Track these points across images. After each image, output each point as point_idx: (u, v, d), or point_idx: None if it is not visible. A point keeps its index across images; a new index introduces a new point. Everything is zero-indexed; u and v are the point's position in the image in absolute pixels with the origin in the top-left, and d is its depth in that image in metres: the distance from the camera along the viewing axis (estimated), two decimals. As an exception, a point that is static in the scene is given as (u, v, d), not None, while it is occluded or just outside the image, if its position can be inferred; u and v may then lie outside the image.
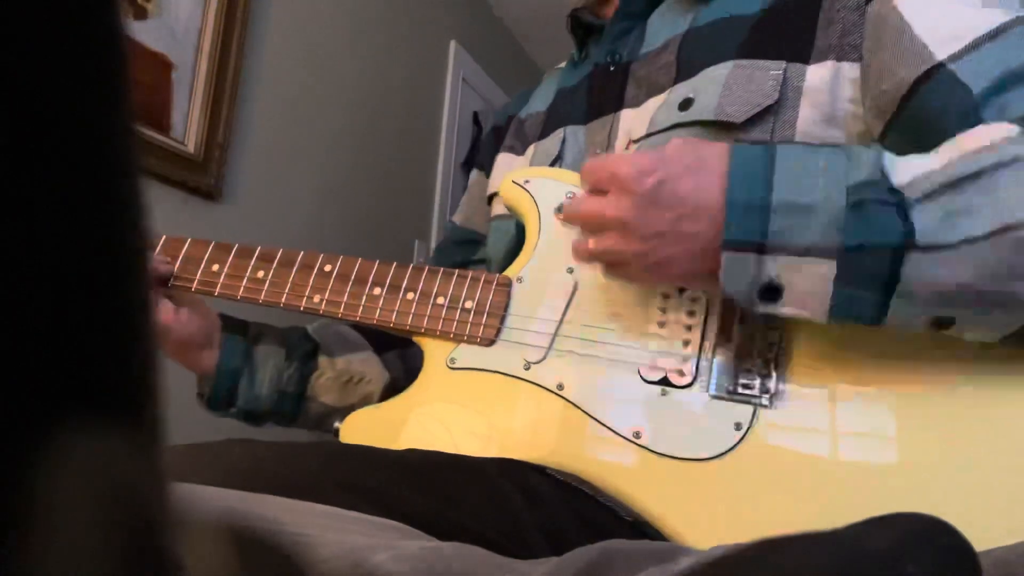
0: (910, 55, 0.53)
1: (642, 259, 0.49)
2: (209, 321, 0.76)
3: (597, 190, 0.52)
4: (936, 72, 0.51)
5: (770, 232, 0.45)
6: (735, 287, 0.47)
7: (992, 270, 0.42)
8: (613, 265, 0.52)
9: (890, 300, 0.44)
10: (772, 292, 0.46)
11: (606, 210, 0.50)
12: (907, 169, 0.45)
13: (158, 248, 0.71)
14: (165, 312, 0.70)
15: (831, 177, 0.45)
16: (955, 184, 0.43)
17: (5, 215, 0.10)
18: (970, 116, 0.49)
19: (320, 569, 0.28)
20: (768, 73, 0.59)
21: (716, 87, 0.61)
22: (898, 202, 0.43)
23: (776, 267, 0.45)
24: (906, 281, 0.43)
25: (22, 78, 0.11)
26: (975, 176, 0.43)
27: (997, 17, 0.51)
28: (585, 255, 0.53)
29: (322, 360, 0.81)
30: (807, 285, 0.45)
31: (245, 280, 0.69)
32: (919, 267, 0.43)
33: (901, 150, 0.55)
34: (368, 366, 0.82)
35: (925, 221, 0.43)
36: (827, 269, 0.44)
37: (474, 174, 0.94)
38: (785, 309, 0.47)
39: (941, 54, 0.51)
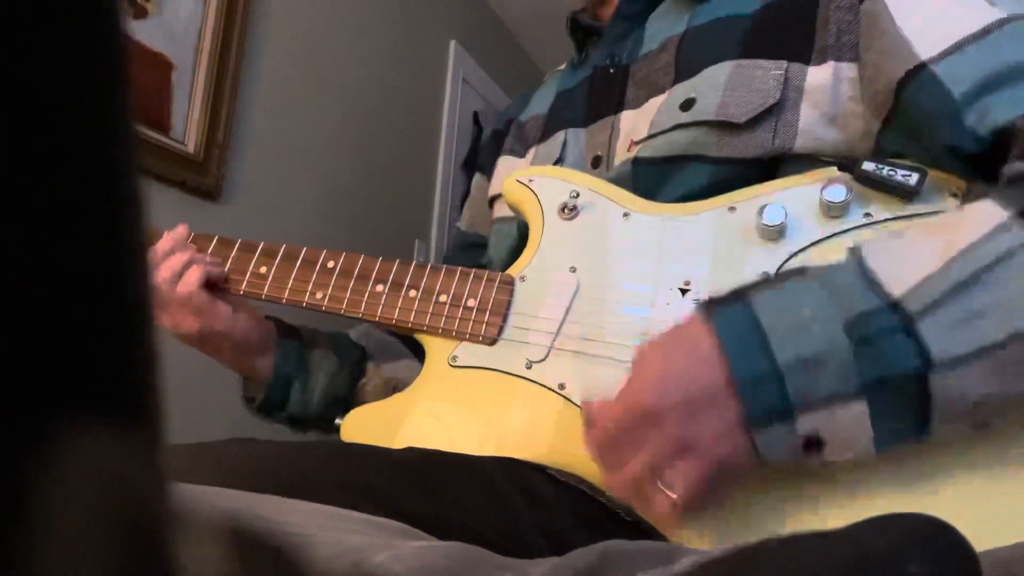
0: (896, 53, 0.53)
1: (706, 460, 0.44)
2: (263, 324, 0.75)
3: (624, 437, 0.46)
4: (919, 71, 0.51)
5: (791, 395, 0.42)
6: (777, 456, 0.44)
7: (1015, 373, 0.41)
8: (698, 488, 0.45)
9: (930, 422, 0.42)
10: (814, 444, 0.44)
11: (656, 447, 0.44)
12: (900, 275, 0.42)
13: (172, 242, 0.70)
14: (223, 315, 0.70)
15: (824, 321, 0.42)
16: (957, 289, 0.41)
17: (5, 215, 0.10)
18: (952, 121, 0.49)
19: (320, 569, 0.28)
20: (769, 73, 0.59)
21: (717, 87, 0.61)
22: (902, 323, 0.41)
23: (809, 423, 0.43)
24: (937, 401, 0.41)
25: (22, 78, 0.11)
26: (975, 277, 0.41)
27: (984, 16, 0.50)
28: (666, 505, 0.45)
29: (370, 367, 0.81)
30: (846, 431, 0.43)
31: (248, 275, 0.69)
32: (945, 384, 0.41)
33: (899, 149, 0.55)
34: (411, 372, 0.82)
35: (935, 336, 0.41)
36: (860, 409, 0.42)
37: (476, 178, 0.94)
38: (832, 456, 0.44)
39: (924, 53, 0.51)
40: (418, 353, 0.83)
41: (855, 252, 0.45)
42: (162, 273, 0.67)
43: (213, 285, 0.69)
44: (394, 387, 0.81)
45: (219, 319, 0.69)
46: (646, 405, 0.44)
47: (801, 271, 0.46)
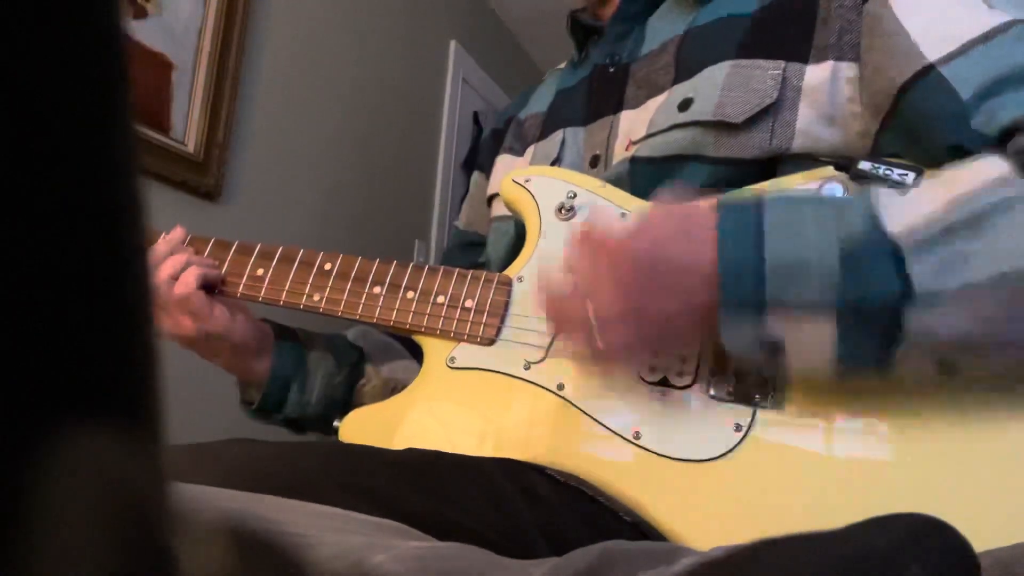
0: (901, 55, 0.53)
1: (639, 318, 0.48)
2: (260, 327, 0.75)
3: (588, 261, 0.50)
4: (926, 73, 0.51)
5: (767, 293, 0.44)
6: (737, 345, 0.47)
7: (990, 318, 0.42)
8: (609, 326, 0.49)
9: (893, 351, 0.44)
10: (775, 347, 0.46)
11: (600, 275, 0.49)
12: (900, 215, 0.44)
13: (168, 244, 0.70)
14: (221, 318, 0.69)
15: (822, 232, 0.44)
16: (949, 231, 0.42)
17: (5, 215, 0.10)
18: (959, 122, 0.49)
19: (320, 569, 0.28)
20: (767, 73, 0.59)
21: (715, 87, 0.61)
22: (893, 253, 0.43)
23: (776, 325, 0.45)
24: (907, 333, 0.43)
25: (22, 78, 0.11)
26: (970, 222, 0.42)
27: (990, 19, 0.50)
28: (581, 323, 0.50)
29: (368, 368, 0.81)
30: (809, 340, 0.45)
31: (245, 277, 0.69)
32: (919, 318, 0.42)
33: (897, 150, 0.55)
34: (410, 373, 0.82)
35: (921, 271, 0.42)
36: (827, 325, 0.44)
37: (475, 176, 0.94)
38: (789, 362, 0.47)
39: (932, 55, 0.51)
40: (416, 354, 0.83)
41: (865, 191, 0.48)
42: (159, 275, 0.67)
43: (210, 287, 0.69)
44: (393, 388, 0.80)
45: (216, 321, 0.69)
46: (628, 247, 0.48)
47: (817, 195, 0.49)
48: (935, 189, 0.46)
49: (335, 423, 0.65)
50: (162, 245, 0.70)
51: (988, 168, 0.45)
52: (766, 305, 0.44)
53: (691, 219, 0.48)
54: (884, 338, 0.44)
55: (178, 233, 0.72)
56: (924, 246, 0.43)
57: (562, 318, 0.52)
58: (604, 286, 0.49)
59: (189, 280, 0.67)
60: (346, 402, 0.79)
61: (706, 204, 0.49)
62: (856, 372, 0.46)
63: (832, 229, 0.44)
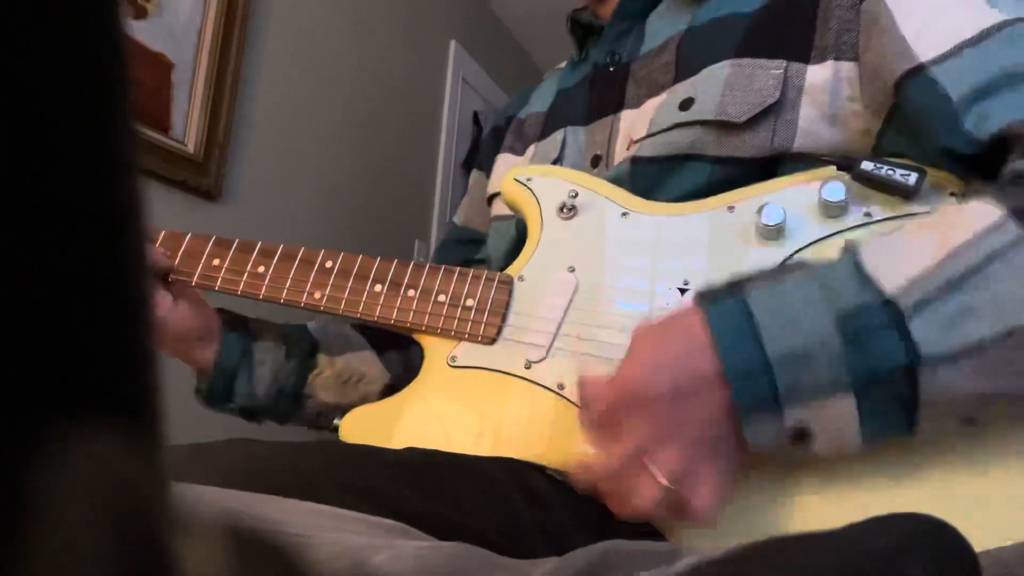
0: (895, 54, 0.53)
1: (697, 448, 0.45)
2: (208, 316, 0.75)
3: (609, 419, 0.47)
4: (917, 73, 0.51)
5: (780, 387, 0.43)
6: (763, 441, 0.45)
7: (1003, 372, 0.41)
8: (685, 475, 0.45)
9: (917, 415, 0.43)
10: (802, 436, 0.44)
11: (643, 432, 0.45)
12: (895, 272, 0.43)
13: (158, 241, 0.70)
14: (163, 305, 0.70)
15: (815, 315, 0.43)
16: (949, 287, 0.41)
17: (5, 215, 0.10)
18: (949, 124, 0.49)
19: (320, 569, 0.28)
20: (769, 72, 0.59)
21: (717, 87, 0.61)
22: (894, 320, 0.41)
23: (797, 415, 0.43)
24: (925, 397, 0.42)
25: (22, 78, 0.11)
26: (967, 275, 0.41)
27: (983, 19, 0.50)
28: (652, 490, 0.45)
29: (321, 358, 0.81)
30: (834, 423, 0.43)
31: (246, 275, 0.69)
32: (933, 381, 0.41)
33: (900, 148, 0.55)
34: (368, 365, 0.82)
35: (925, 332, 0.41)
36: (847, 403, 0.42)
37: (474, 174, 0.94)
38: (819, 447, 0.45)
39: (924, 55, 0.51)
40: (379, 348, 0.83)
41: (850, 249, 0.46)
42: None
43: (161, 276, 0.69)
44: (347, 379, 0.80)
45: (157, 308, 0.69)
46: (636, 389, 0.45)
47: (798, 266, 0.47)
48: (927, 240, 0.44)
49: (336, 421, 0.65)
50: None
51: (981, 214, 0.43)
52: (781, 399, 0.43)
53: (682, 331, 0.46)
54: (905, 404, 0.42)
55: None
56: (924, 305, 0.41)
57: (629, 498, 0.46)
58: (654, 438, 0.45)
59: None
60: (298, 392, 0.79)
61: (684, 311, 0.47)
62: (885, 440, 0.45)
63: (824, 308, 0.43)
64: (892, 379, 0.42)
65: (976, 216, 0.44)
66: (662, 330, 0.47)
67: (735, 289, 0.46)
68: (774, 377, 0.43)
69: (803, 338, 0.42)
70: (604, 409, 0.47)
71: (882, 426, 0.43)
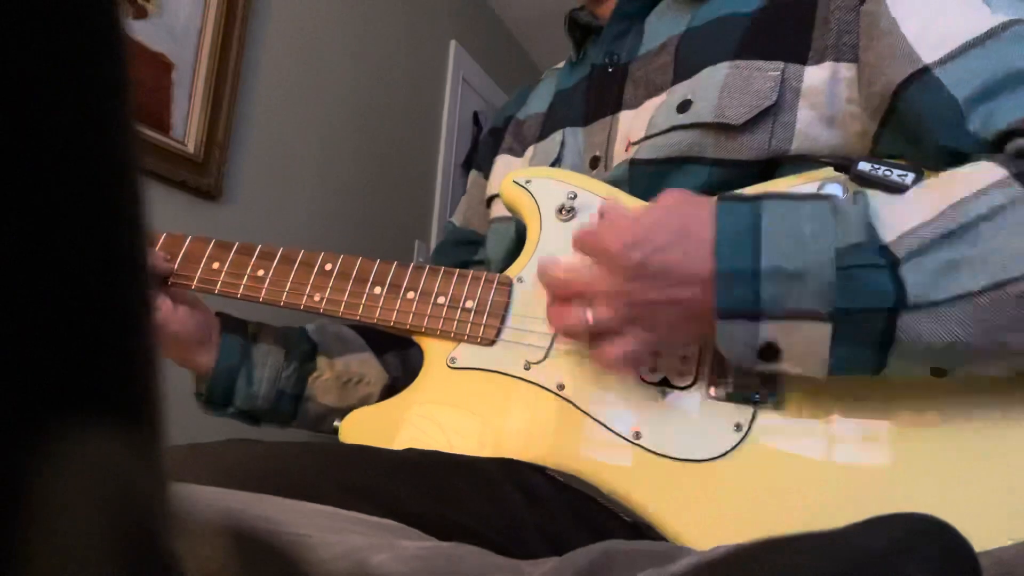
0: (898, 56, 0.53)
1: (636, 324, 0.49)
2: (207, 319, 0.75)
3: (588, 260, 0.52)
4: (922, 75, 0.51)
5: (762, 300, 0.45)
6: (732, 350, 0.47)
7: (984, 325, 0.42)
8: (605, 334, 0.51)
9: (887, 357, 0.44)
10: (770, 352, 0.46)
11: (596, 284, 0.50)
12: (895, 223, 0.44)
13: (158, 245, 0.70)
14: (163, 309, 0.70)
15: (819, 241, 0.44)
16: (944, 238, 0.43)
17: (6, 215, 0.10)
18: (954, 125, 0.49)
19: (320, 569, 0.28)
20: (766, 74, 0.59)
21: (714, 89, 0.61)
22: (888, 263, 0.43)
23: (772, 331, 0.45)
24: (901, 340, 0.43)
25: (23, 79, 0.11)
26: (965, 228, 0.43)
27: (988, 20, 0.50)
28: (580, 325, 0.51)
29: (321, 361, 0.81)
30: (804, 346, 0.45)
31: (245, 278, 0.69)
32: (912, 326, 0.43)
33: (896, 150, 0.55)
34: (367, 367, 0.82)
35: (916, 279, 0.42)
36: (823, 331, 0.44)
37: (473, 175, 0.94)
38: (784, 367, 0.47)
39: (928, 57, 0.51)
40: (377, 349, 0.83)
41: (861, 196, 0.48)
42: None
43: (160, 280, 0.69)
44: (346, 381, 0.80)
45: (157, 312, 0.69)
46: (608, 249, 0.49)
47: (816, 195, 0.49)
48: (930, 195, 0.46)
49: (335, 423, 0.65)
50: None
51: (984, 173, 0.45)
52: (761, 312, 0.45)
53: (687, 221, 0.48)
54: (878, 344, 0.44)
55: None
56: (918, 254, 0.43)
57: (562, 321, 0.53)
58: (601, 291, 0.50)
59: None
60: (298, 395, 0.79)
61: (705, 203, 0.49)
62: (849, 374, 0.46)
63: (830, 236, 0.44)
64: (874, 316, 0.43)
65: (979, 174, 0.45)
66: (675, 216, 0.49)
67: (756, 198, 0.48)
68: (760, 288, 0.44)
69: (801, 258, 0.44)
70: (596, 247, 0.51)
71: (851, 360, 0.45)
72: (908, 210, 0.45)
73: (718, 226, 0.47)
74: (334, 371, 0.81)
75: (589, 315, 0.50)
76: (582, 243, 0.52)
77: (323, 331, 0.83)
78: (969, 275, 0.42)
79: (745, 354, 0.47)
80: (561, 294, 0.53)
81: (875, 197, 0.47)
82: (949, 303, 0.42)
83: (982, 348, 0.43)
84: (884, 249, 0.44)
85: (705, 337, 0.49)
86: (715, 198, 0.49)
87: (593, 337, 0.51)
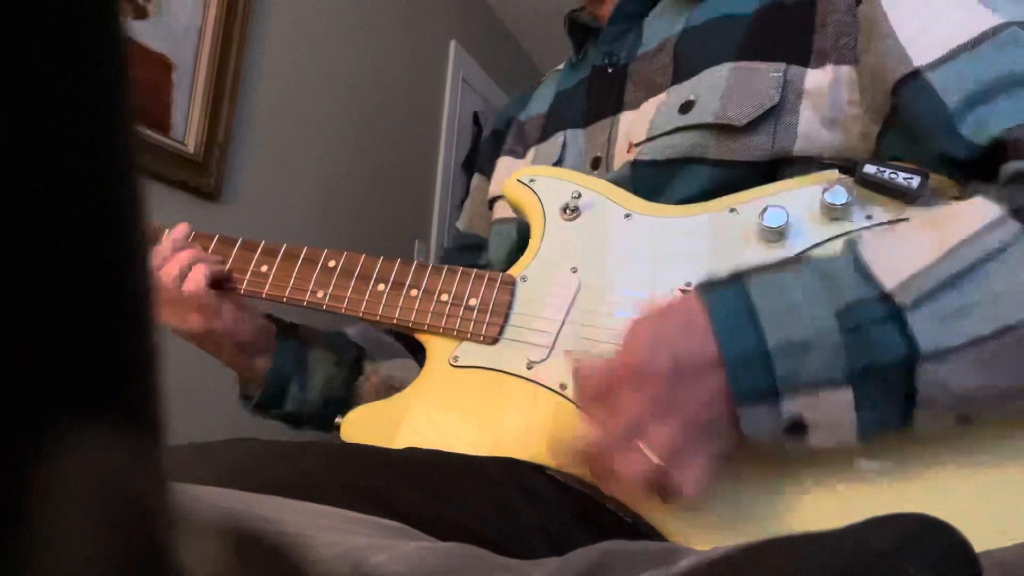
0: (891, 58, 0.53)
1: (692, 428, 0.45)
2: (264, 325, 0.76)
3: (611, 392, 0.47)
4: (913, 78, 0.51)
5: (777, 377, 0.43)
6: (759, 433, 0.45)
7: (1000, 369, 0.41)
8: (676, 453, 0.45)
9: (913, 410, 0.43)
10: (798, 428, 0.44)
11: (638, 409, 0.45)
12: (894, 268, 0.43)
13: (161, 239, 0.70)
14: (228, 315, 0.70)
15: (815, 308, 0.43)
16: (947, 284, 0.42)
17: (5, 215, 0.10)
18: (946, 130, 0.49)
19: (320, 569, 0.28)
20: (768, 75, 0.59)
21: (717, 89, 0.61)
22: (893, 314, 0.42)
23: (794, 406, 0.44)
24: (922, 392, 0.42)
25: (22, 78, 0.11)
26: (969, 271, 0.42)
27: (980, 23, 0.50)
28: (641, 466, 0.44)
29: (367, 366, 0.81)
30: (830, 416, 0.44)
31: (249, 274, 0.69)
32: (931, 376, 0.42)
33: (899, 152, 0.55)
34: (408, 371, 0.82)
35: (924, 328, 0.41)
36: (844, 396, 0.43)
37: (475, 179, 0.94)
38: (814, 441, 0.45)
39: (919, 60, 0.51)
40: (415, 353, 0.83)
41: (851, 244, 0.46)
42: (168, 271, 0.68)
43: (216, 284, 0.69)
44: (391, 386, 0.81)
45: (222, 319, 0.69)
46: (634, 365, 0.45)
47: (798, 259, 0.47)
48: (928, 235, 0.45)
49: (336, 420, 0.65)
50: (168, 242, 0.70)
51: (980, 211, 0.44)
52: (779, 388, 0.43)
53: (684, 315, 0.46)
54: (901, 399, 0.43)
55: (182, 229, 0.72)
56: (923, 302, 0.42)
57: (617, 474, 0.46)
58: (648, 415, 0.45)
59: (197, 276, 0.67)
60: (345, 399, 0.79)
61: (688, 298, 0.47)
62: (881, 434, 0.45)
63: (824, 300, 0.43)
64: (890, 372, 0.42)
65: (976, 213, 0.44)
66: (662, 315, 0.47)
67: (735, 279, 0.46)
68: (772, 366, 0.43)
69: (802, 328, 0.43)
70: (603, 384, 0.47)
71: (878, 420, 0.44)
72: (906, 253, 0.44)
73: (713, 316, 0.45)
74: (379, 376, 0.81)
75: (646, 450, 0.44)
76: (594, 386, 0.48)
77: (367, 336, 0.84)
78: (979, 319, 0.41)
79: (772, 435, 0.45)
80: (599, 450, 0.47)
81: (864, 245, 0.45)
82: (962, 349, 0.41)
83: (1003, 391, 0.42)
84: (887, 298, 0.42)
85: (730, 430, 0.45)
86: (692, 292, 0.47)
87: (657, 470, 0.45)
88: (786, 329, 0.43)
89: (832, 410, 0.43)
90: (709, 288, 0.47)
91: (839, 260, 0.45)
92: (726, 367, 0.44)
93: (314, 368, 0.78)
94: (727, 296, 0.45)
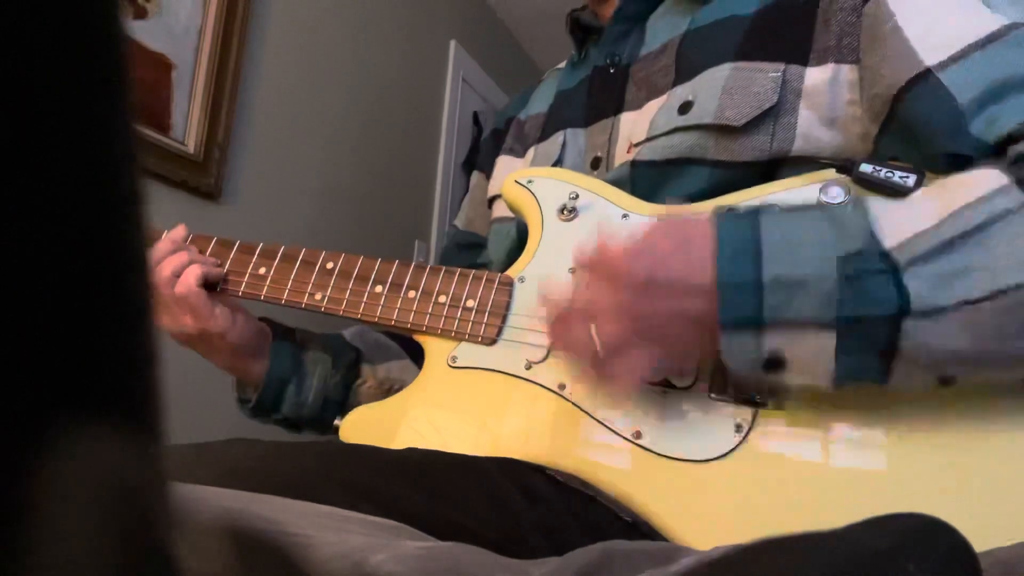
0: (899, 58, 0.53)
1: (642, 337, 0.48)
2: (261, 327, 0.76)
3: (592, 277, 0.51)
4: (923, 78, 0.51)
5: (765, 309, 0.44)
6: (738, 363, 0.47)
7: (988, 333, 0.42)
8: (614, 351, 0.50)
9: (892, 365, 0.44)
10: (776, 364, 0.46)
11: (600, 300, 0.49)
12: (896, 229, 0.44)
13: (171, 243, 0.70)
14: (221, 317, 0.70)
15: (820, 249, 0.44)
16: (947, 245, 0.43)
17: (6, 215, 0.10)
18: (956, 128, 0.49)
19: (320, 569, 0.28)
20: (767, 75, 0.59)
21: (715, 90, 0.61)
22: (891, 269, 0.43)
23: (776, 341, 0.45)
24: (905, 348, 0.43)
25: (24, 79, 0.11)
26: (966, 235, 0.42)
27: (990, 23, 0.50)
28: (585, 345, 0.50)
29: (365, 368, 0.81)
30: (809, 356, 0.45)
31: (247, 276, 0.69)
32: (916, 334, 0.43)
33: (896, 153, 0.55)
34: (407, 373, 0.82)
35: (919, 286, 0.42)
36: (827, 340, 0.44)
37: (475, 177, 0.94)
38: (790, 378, 0.47)
39: (930, 60, 0.51)
40: (413, 355, 0.83)
41: (861, 201, 0.48)
42: (162, 272, 0.68)
43: (211, 286, 0.69)
44: (389, 388, 0.81)
45: (216, 321, 0.69)
46: (612, 265, 0.48)
47: (814, 206, 0.49)
48: (932, 201, 0.45)
49: (336, 422, 0.65)
50: (164, 243, 0.70)
51: (986, 179, 0.44)
52: (765, 322, 0.45)
53: (689, 235, 0.48)
54: (883, 353, 0.44)
55: (180, 231, 0.72)
56: (921, 261, 0.43)
57: (565, 339, 0.52)
58: (606, 308, 0.49)
59: (190, 279, 0.67)
60: (342, 402, 0.79)
61: (704, 217, 0.49)
62: (855, 384, 0.46)
63: (831, 245, 0.44)
64: (877, 324, 0.43)
65: (981, 181, 0.45)
66: (675, 230, 0.49)
67: (753, 213, 0.48)
68: (763, 299, 0.44)
69: (802, 267, 0.44)
70: (580, 263, 0.51)
71: (856, 369, 0.45)
72: (909, 216, 0.45)
73: (718, 240, 0.46)
74: (376, 378, 0.81)
75: (594, 333, 0.49)
76: (583, 259, 0.52)
77: (364, 338, 0.84)
78: (973, 282, 0.42)
79: (750, 366, 0.47)
80: (562, 313, 0.52)
81: (874, 203, 0.47)
82: (953, 310, 0.42)
83: (988, 355, 0.43)
84: (885, 255, 0.43)
85: (709, 350, 0.48)
86: (711, 213, 0.49)
87: (596, 355, 0.50)
88: (785, 265, 0.44)
89: (813, 351, 0.45)
90: (725, 216, 0.48)
91: (852, 213, 0.46)
92: (720, 291, 0.45)
93: (311, 371, 0.78)
94: (737, 226, 0.47)
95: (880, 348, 0.44)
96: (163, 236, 0.72)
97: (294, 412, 0.77)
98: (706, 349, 0.48)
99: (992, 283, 0.41)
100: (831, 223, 0.46)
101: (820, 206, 0.49)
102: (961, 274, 0.42)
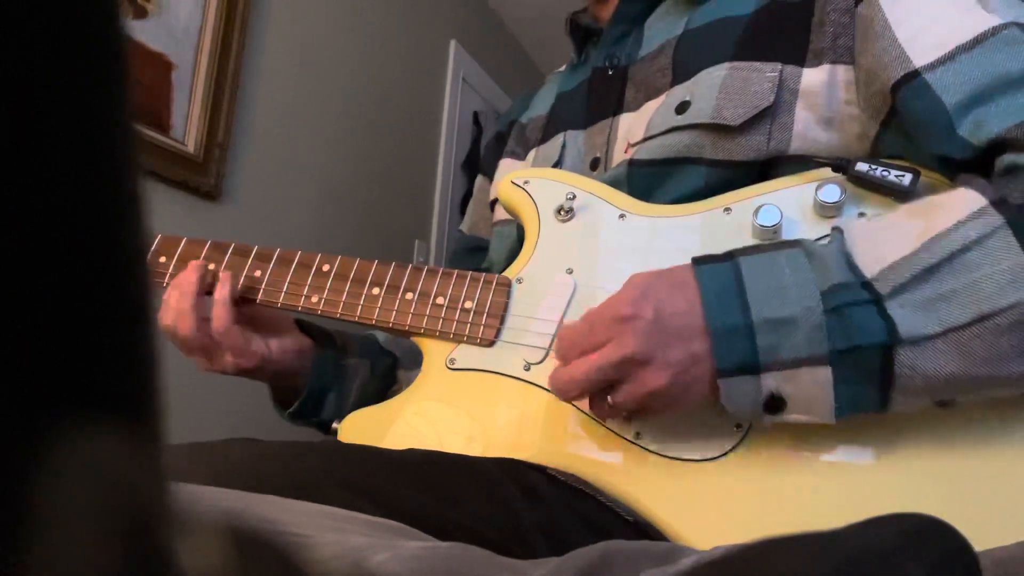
0: (890, 59, 0.53)
1: (668, 389, 0.47)
2: (298, 346, 0.74)
3: (595, 342, 0.49)
4: (912, 79, 0.51)
5: (759, 351, 0.45)
6: (738, 407, 0.47)
7: (980, 357, 0.42)
8: (640, 411, 0.50)
9: (890, 394, 0.44)
10: (776, 403, 0.46)
11: (621, 350, 0.47)
12: (876, 257, 0.45)
13: (152, 247, 0.70)
14: (258, 350, 0.69)
15: (801, 287, 0.45)
16: (927, 272, 0.43)
17: (5, 215, 0.10)
18: (944, 130, 0.49)
19: (320, 569, 0.28)
20: (764, 75, 0.59)
21: (712, 90, 0.61)
22: (874, 300, 0.43)
23: (773, 382, 0.45)
24: (900, 376, 0.43)
25: (22, 77, 0.11)
26: (947, 261, 0.43)
27: (978, 24, 0.50)
28: (617, 408, 0.49)
29: (400, 374, 0.82)
30: (808, 392, 0.45)
31: (242, 279, 0.69)
32: (909, 361, 0.43)
33: (897, 151, 0.56)
34: None
35: (903, 315, 0.43)
36: (823, 375, 0.44)
37: (479, 180, 0.94)
38: (792, 417, 0.47)
39: (918, 61, 0.51)
40: None
41: (838, 232, 0.48)
42: (185, 322, 0.66)
43: (236, 302, 0.68)
44: None
45: (253, 356, 0.69)
46: (621, 312, 0.47)
47: (789, 243, 0.49)
48: (910, 225, 0.46)
49: (334, 425, 0.65)
50: (190, 281, 0.67)
51: (964, 201, 0.45)
52: (760, 363, 0.45)
53: (676, 280, 0.48)
54: (879, 381, 0.44)
55: (192, 274, 0.68)
56: (902, 289, 0.43)
57: (591, 407, 0.51)
58: (623, 360, 0.47)
59: (221, 315, 0.67)
60: None
61: (681, 267, 0.49)
62: (857, 415, 0.46)
63: (811, 281, 0.45)
64: (869, 354, 0.43)
65: (958, 204, 0.45)
66: (655, 278, 0.49)
67: (729, 255, 0.48)
68: (755, 340, 0.45)
69: (788, 305, 0.44)
70: (587, 327, 0.49)
71: (855, 400, 0.45)
72: (887, 242, 0.45)
73: (702, 288, 0.47)
74: (410, 383, 0.81)
75: (621, 395, 0.48)
76: (579, 329, 0.50)
77: (399, 343, 0.84)
78: (956, 308, 0.42)
79: (751, 409, 0.47)
80: (573, 357, 0.50)
81: (850, 231, 0.47)
82: (941, 337, 0.42)
83: (982, 379, 0.43)
84: (867, 285, 0.44)
85: (707, 399, 0.48)
86: (688, 263, 0.49)
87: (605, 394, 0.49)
88: (771, 306, 0.45)
89: (810, 388, 0.45)
90: (703, 261, 0.49)
91: (828, 246, 0.47)
92: (711, 339, 0.45)
93: (351, 377, 0.78)
94: (718, 270, 0.47)
95: (876, 377, 0.44)
96: (187, 273, 0.68)
97: (331, 416, 0.77)
98: (704, 399, 0.48)
99: (976, 309, 0.42)
100: (807, 259, 0.46)
101: (792, 242, 0.48)
102: (943, 300, 0.42)
